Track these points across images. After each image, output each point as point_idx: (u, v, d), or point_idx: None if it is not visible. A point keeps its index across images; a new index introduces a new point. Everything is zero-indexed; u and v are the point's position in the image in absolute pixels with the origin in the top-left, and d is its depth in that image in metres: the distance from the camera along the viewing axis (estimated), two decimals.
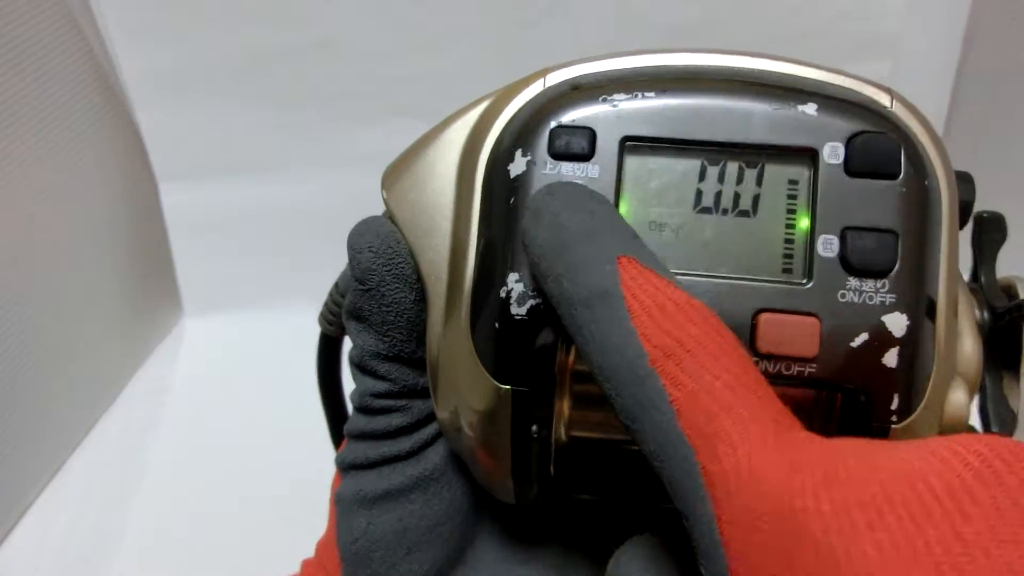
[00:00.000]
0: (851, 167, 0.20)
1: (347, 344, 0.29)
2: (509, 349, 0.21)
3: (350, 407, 0.27)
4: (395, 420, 0.25)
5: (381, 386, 0.25)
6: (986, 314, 0.23)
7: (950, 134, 0.64)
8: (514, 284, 0.21)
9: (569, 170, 0.21)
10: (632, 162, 0.21)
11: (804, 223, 0.20)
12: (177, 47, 0.58)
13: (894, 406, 0.20)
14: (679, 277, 0.20)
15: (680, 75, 0.22)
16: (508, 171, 0.21)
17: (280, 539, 0.50)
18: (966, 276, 0.24)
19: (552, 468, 0.24)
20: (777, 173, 0.20)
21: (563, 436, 0.25)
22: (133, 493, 0.56)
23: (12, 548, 0.53)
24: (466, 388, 0.22)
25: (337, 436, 0.36)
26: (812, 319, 0.19)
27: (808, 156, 0.20)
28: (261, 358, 0.66)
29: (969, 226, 0.24)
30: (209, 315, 0.69)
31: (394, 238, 0.24)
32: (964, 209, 0.22)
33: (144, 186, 0.64)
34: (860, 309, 0.19)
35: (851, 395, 0.20)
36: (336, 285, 0.29)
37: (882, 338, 0.19)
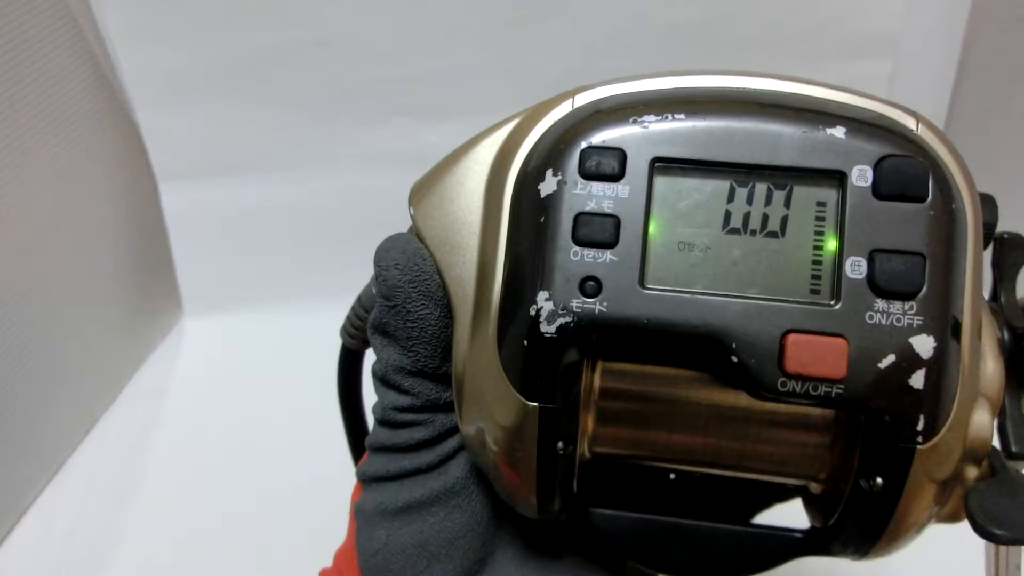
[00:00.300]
0: (879, 190, 0.20)
1: (368, 357, 0.29)
2: (537, 366, 0.21)
3: (370, 420, 0.27)
4: (417, 434, 0.25)
5: (404, 400, 0.25)
6: (1006, 334, 0.23)
7: (950, 133, 0.64)
8: (544, 303, 0.21)
9: (599, 190, 0.21)
10: (661, 183, 0.21)
11: (832, 245, 0.20)
12: (177, 47, 0.58)
13: (920, 426, 0.20)
14: (707, 298, 0.20)
15: (710, 97, 0.22)
16: (539, 190, 0.21)
17: (280, 539, 0.50)
18: (986, 296, 0.24)
19: (575, 484, 0.24)
20: (805, 195, 0.21)
21: (587, 452, 0.25)
22: (133, 493, 0.56)
23: (12, 548, 0.53)
24: (492, 404, 0.22)
25: (357, 448, 0.36)
26: (840, 340, 0.20)
27: (836, 179, 0.20)
28: (261, 358, 0.66)
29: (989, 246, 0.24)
30: (209, 315, 0.69)
31: (420, 255, 0.24)
32: (987, 231, 0.22)
33: (144, 186, 0.64)
34: (888, 331, 0.20)
35: (876, 415, 0.20)
36: (359, 299, 0.30)
37: (909, 359, 0.20)
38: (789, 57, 0.60)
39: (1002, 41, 0.60)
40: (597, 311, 0.20)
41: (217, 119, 0.62)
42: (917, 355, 0.20)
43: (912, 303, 0.20)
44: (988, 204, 0.22)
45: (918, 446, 0.20)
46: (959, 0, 0.60)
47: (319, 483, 0.40)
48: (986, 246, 0.22)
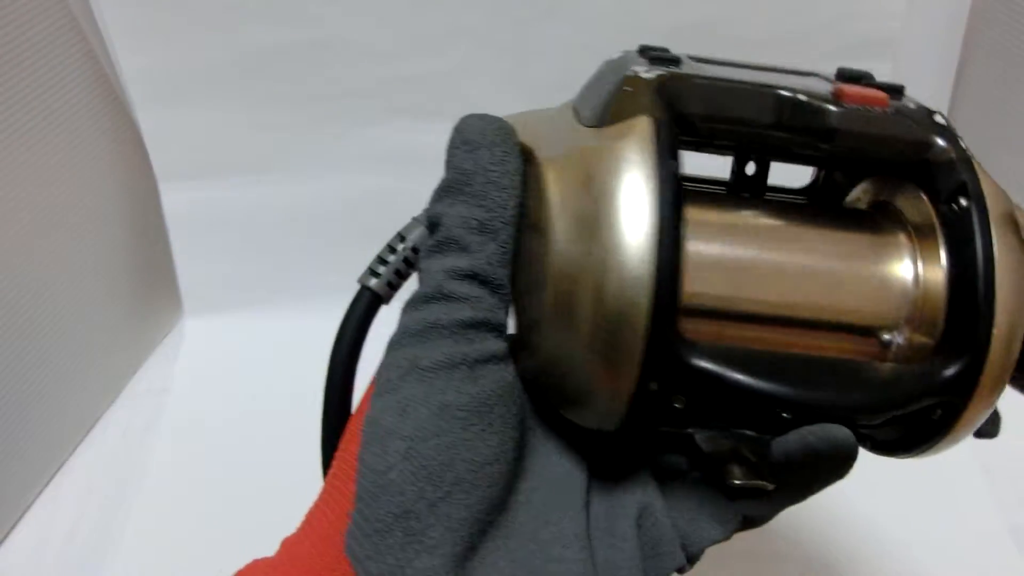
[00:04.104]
0: None
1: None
2: None
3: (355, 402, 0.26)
4: (461, 312, 0.21)
5: (463, 260, 0.22)
6: None
7: None
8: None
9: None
10: None
11: None
12: (177, 47, 0.58)
13: None
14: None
15: None
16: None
17: (280, 539, 0.50)
18: None
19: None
20: None
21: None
22: (133, 493, 0.55)
23: (12, 548, 0.53)
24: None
25: (331, 420, 0.29)
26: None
27: None
28: (261, 358, 0.66)
29: None
30: (209, 315, 0.69)
31: (507, 125, 0.24)
32: None
33: (144, 186, 0.64)
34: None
35: None
36: (398, 234, 0.26)
37: None
38: (789, 57, 0.59)
39: (1002, 41, 0.60)
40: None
41: (217, 119, 0.62)
42: None
43: None
44: None
45: None
46: (959, 0, 0.60)
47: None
48: None
